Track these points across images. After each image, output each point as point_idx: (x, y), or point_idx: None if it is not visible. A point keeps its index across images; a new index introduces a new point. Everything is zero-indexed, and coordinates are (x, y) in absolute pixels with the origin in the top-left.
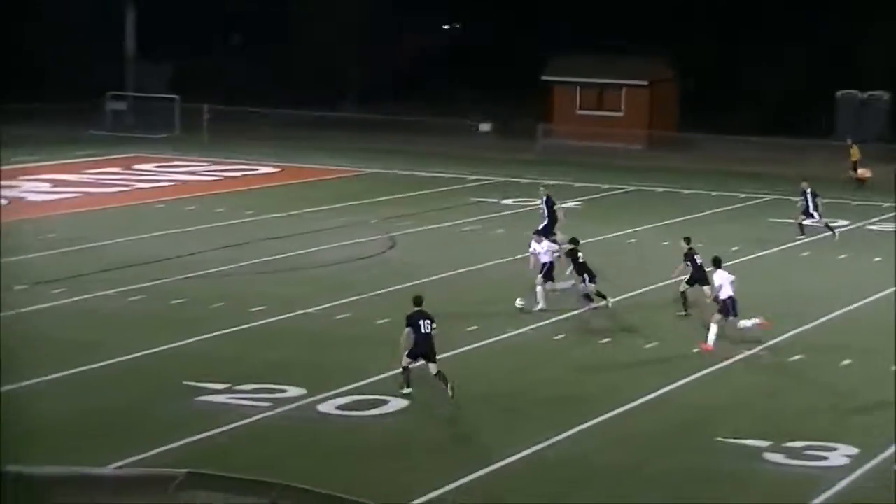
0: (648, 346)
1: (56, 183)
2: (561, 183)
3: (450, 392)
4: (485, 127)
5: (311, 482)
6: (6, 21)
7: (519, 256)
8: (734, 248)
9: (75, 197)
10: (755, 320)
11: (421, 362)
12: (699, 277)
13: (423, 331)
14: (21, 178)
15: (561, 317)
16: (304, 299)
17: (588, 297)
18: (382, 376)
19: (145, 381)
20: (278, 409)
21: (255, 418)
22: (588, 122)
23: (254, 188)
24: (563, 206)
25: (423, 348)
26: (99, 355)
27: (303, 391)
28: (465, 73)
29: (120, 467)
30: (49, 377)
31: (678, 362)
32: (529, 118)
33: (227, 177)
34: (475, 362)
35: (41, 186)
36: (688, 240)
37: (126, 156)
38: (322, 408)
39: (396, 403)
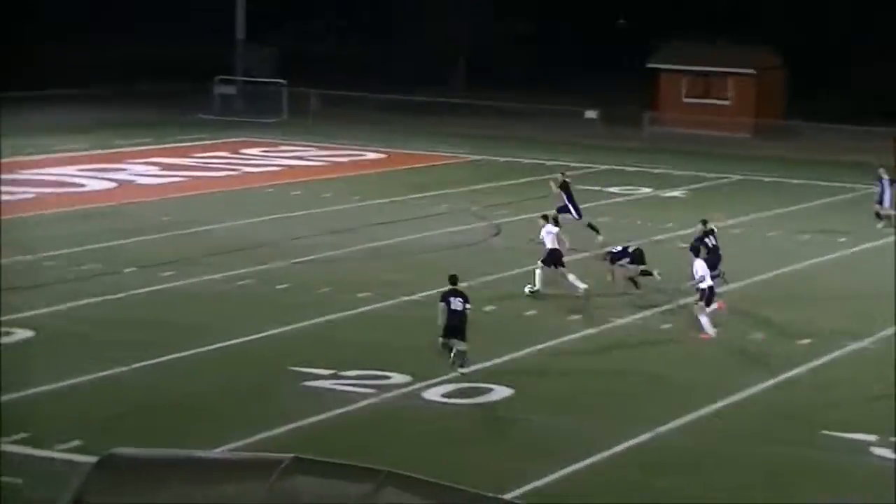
0: (752, 336)
1: (165, 167)
2: (666, 171)
3: (458, 370)
4: (591, 114)
5: (416, 469)
6: (114, 5)
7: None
8: (841, 240)
9: (184, 180)
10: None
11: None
12: (713, 260)
13: (452, 307)
14: (131, 161)
15: (668, 306)
16: (409, 285)
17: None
18: (487, 364)
19: (251, 365)
20: (383, 396)
21: (360, 404)
22: (694, 109)
23: (360, 174)
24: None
25: (453, 323)
26: (206, 339)
27: (408, 378)
28: (573, 58)
29: (226, 451)
30: (156, 360)
31: (783, 353)
32: (636, 105)
33: (333, 162)
34: (581, 351)
35: (150, 170)
36: (704, 221)
37: (234, 140)
38: (427, 395)
39: (501, 391)
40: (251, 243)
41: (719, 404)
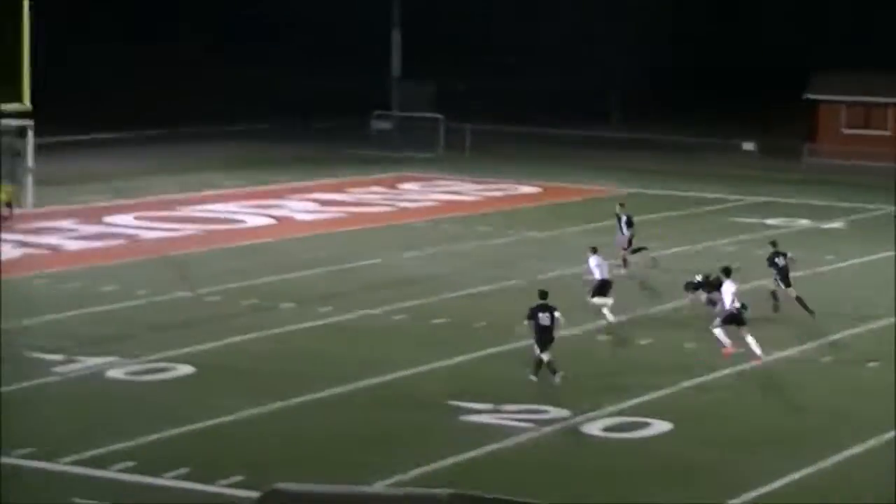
0: None
1: (323, 202)
2: (825, 203)
3: (557, 380)
4: (748, 146)
5: None
6: (271, 44)
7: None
8: None
9: (341, 216)
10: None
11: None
12: (782, 278)
13: (540, 323)
14: (289, 197)
15: (827, 339)
16: (566, 319)
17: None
18: (646, 398)
19: (409, 399)
20: (542, 430)
21: (519, 439)
22: (853, 140)
23: (515, 207)
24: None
25: (540, 337)
26: (364, 374)
27: (566, 412)
28: (730, 91)
29: (385, 486)
30: (315, 395)
31: None
32: (794, 137)
33: (489, 196)
34: (739, 382)
35: (308, 206)
36: (774, 243)
37: (391, 175)
38: (586, 429)
39: (659, 426)
40: (407, 278)
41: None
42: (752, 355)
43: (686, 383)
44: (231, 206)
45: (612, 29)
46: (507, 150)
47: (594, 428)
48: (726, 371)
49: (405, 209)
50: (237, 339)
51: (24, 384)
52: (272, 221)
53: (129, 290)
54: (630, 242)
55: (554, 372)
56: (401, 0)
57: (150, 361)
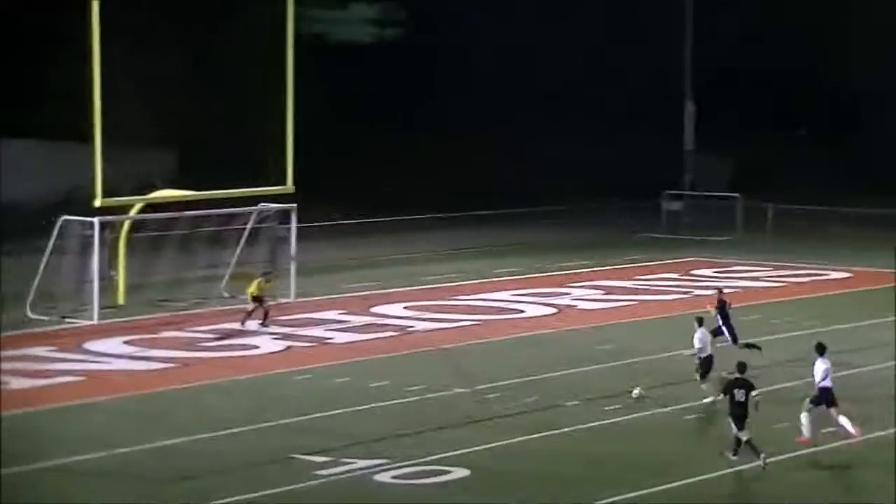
0: None
1: (608, 290)
2: None
3: (762, 462)
4: None
5: None
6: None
7: None
8: None
9: (628, 305)
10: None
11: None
12: None
13: (735, 399)
14: (571, 284)
15: None
16: (880, 420)
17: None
18: None
19: None
20: None
21: None
22: None
23: (821, 295)
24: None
25: (735, 413)
26: (654, 478)
27: None
28: None
29: None
30: (601, 502)
31: None
32: None
33: (791, 282)
34: None
35: (592, 293)
36: None
37: (683, 259)
38: None
39: None
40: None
41: None
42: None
43: None
44: (505, 295)
45: None
46: (813, 231)
47: None
48: None
49: (699, 297)
50: (517, 439)
51: (287, 487)
52: (553, 311)
53: (400, 386)
54: None
55: (757, 453)
56: (693, 68)
57: (421, 464)
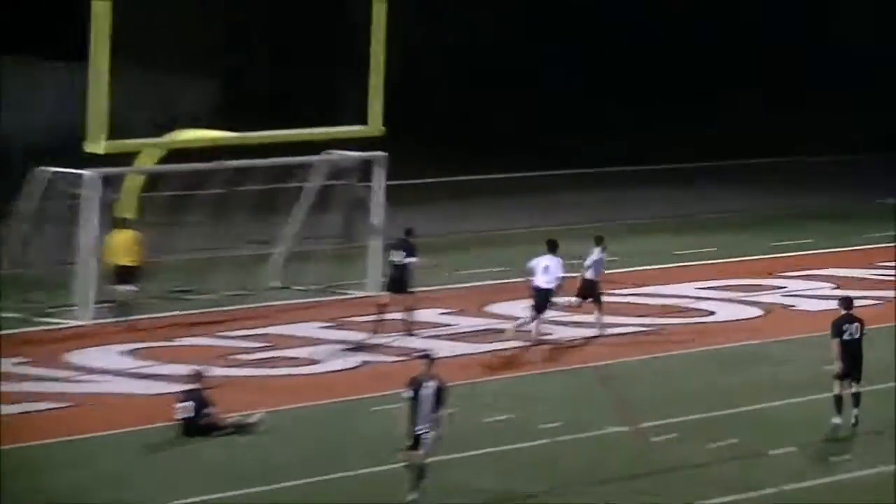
0: None
1: (841, 282)
2: None
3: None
4: None
5: None
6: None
7: None
8: None
9: (873, 304)
10: None
11: None
12: None
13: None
14: (788, 272)
15: None
16: None
17: None
18: None
19: None
20: None
21: None
22: None
23: None
24: None
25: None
26: None
27: None
28: None
29: None
30: None
31: None
32: None
33: None
34: None
35: (817, 287)
36: None
37: None
38: None
39: None
40: None
41: None
42: None
43: None
44: (687, 288)
45: None
46: None
47: None
48: None
49: None
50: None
51: None
52: (758, 312)
53: (528, 421)
54: None
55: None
56: None
57: None
